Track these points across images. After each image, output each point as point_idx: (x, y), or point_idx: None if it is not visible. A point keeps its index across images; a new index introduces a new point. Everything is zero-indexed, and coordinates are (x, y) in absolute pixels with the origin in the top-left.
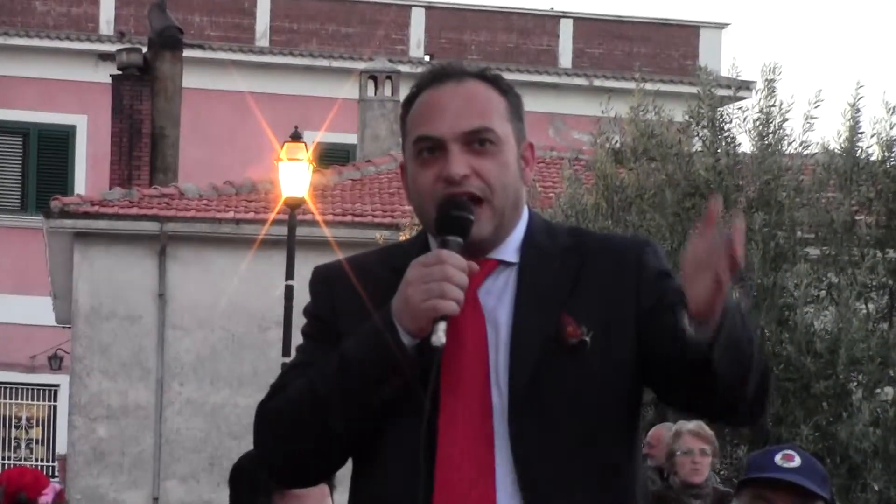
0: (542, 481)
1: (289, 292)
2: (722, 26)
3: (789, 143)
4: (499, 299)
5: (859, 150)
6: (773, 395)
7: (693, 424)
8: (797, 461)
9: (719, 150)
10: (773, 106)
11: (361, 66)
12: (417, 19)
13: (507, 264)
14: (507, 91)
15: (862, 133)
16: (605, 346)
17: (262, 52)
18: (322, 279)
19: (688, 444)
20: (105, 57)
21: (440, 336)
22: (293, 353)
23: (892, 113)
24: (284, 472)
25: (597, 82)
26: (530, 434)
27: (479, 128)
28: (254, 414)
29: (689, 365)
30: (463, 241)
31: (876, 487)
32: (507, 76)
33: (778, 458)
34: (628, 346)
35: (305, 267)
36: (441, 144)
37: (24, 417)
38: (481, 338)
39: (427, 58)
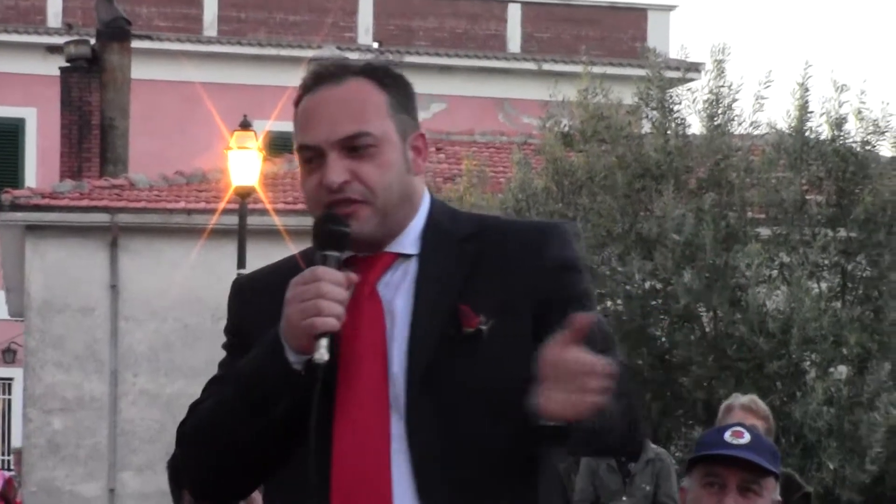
0: (438, 473)
1: None
2: (670, 8)
3: (739, 124)
4: (397, 291)
5: (809, 130)
6: (649, 420)
7: (746, 398)
8: (747, 438)
9: (669, 132)
10: (723, 87)
11: (310, 53)
12: (365, 6)
13: (406, 256)
14: (390, 84)
15: (811, 112)
16: (503, 335)
17: (210, 41)
18: (234, 293)
19: (737, 419)
20: (53, 49)
21: (322, 353)
22: None
23: (841, 91)
24: (206, 490)
25: (546, 66)
26: (426, 426)
27: (354, 133)
28: None
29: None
30: (341, 255)
31: (831, 466)
32: (456, 62)
33: (727, 436)
34: (526, 333)
35: (257, 256)
36: (319, 152)
37: None
38: (379, 331)
39: (375, 45)
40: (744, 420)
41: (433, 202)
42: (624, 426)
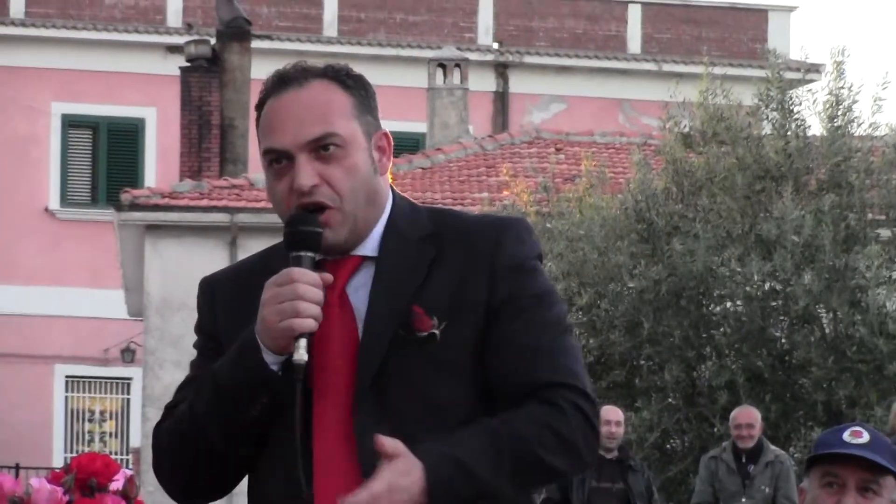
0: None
1: None
2: (790, 9)
3: (858, 125)
4: (362, 293)
5: None
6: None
7: None
8: (865, 437)
9: (789, 133)
10: (843, 88)
11: (430, 54)
12: (485, 6)
13: (371, 259)
14: (352, 86)
15: None
16: (456, 337)
17: (329, 41)
18: (203, 291)
19: None
20: (173, 49)
21: (301, 354)
22: None
23: None
24: (178, 492)
25: (666, 67)
26: (373, 427)
27: (322, 134)
28: None
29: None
30: (314, 255)
31: None
32: (576, 62)
33: (846, 435)
34: (479, 335)
35: None
36: (287, 155)
37: (97, 411)
38: (349, 334)
39: (496, 45)
40: None
41: (395, 202)
42: (535, 476)
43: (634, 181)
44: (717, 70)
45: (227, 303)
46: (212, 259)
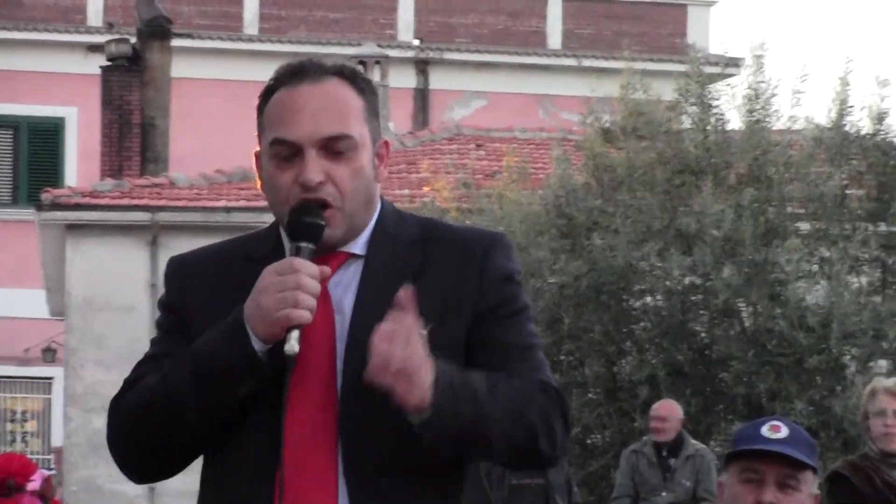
0: (367, 468)
1: None
2: (710, 4)
3: (778, 119)
4: (346, 290)
5: (849, 124)
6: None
7: (891, 381)
8: (784, 432)
9: (709, 127)
10: (762, 82)
11: (350, 51)
12: (406, 4)
13: (357, 256)
14: (365, 89)
15: (852, 107)
16: (441, 339)
17: (250, 39)
18: (175, 270)
19: (881, 403)
20: (94, 48)
21: (293, 345)
22: None
23: (883, 86)
24: (134, 467)
25: (586, 63)
26: (359, 420)
27: (338, 134)
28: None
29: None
30: (315, 247)
31: None
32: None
33: (765, 430)
34: (463, 339)
35: None
36: (298, 148)
37: (18, 411)
38: (329, 329)
39: (416, 42)
40: (886, 405)
41: (383, 206)
42: (518, 434)
43: (555, 177)
44: (638, 65)
45: (199, 284)
46: (133, 258)
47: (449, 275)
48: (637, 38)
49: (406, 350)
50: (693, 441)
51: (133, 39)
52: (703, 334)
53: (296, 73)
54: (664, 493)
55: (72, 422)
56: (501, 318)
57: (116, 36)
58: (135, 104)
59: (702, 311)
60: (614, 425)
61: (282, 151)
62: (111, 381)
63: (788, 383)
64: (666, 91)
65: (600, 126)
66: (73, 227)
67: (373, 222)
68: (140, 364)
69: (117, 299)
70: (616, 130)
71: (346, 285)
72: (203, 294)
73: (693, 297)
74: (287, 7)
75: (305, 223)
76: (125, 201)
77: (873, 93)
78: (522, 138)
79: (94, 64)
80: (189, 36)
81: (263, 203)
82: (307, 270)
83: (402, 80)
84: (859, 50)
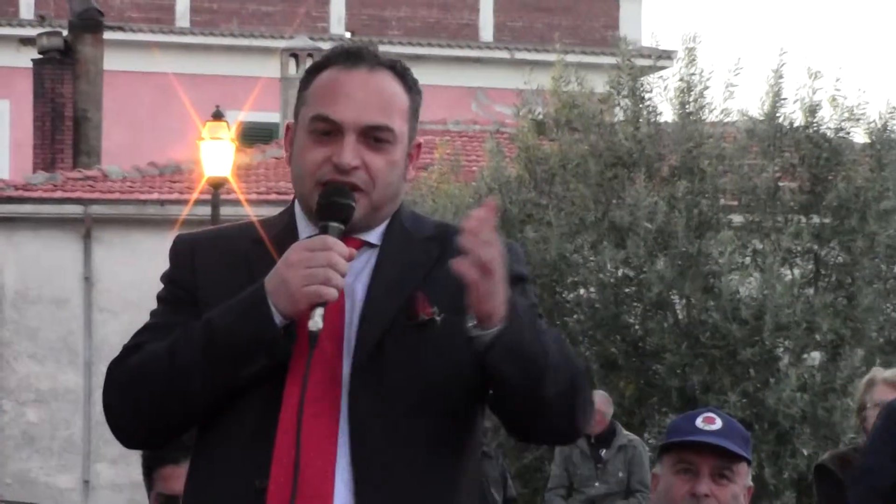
0: (372, 452)
1: None
2: None
3: (710, 111)
4: (357, 276)
5: (782, 117)
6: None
7: (890, 372)
8: (718, 424)
9: (641, 120)
10: (694, 75)
11: (283, 44)
12: None
13: (371, 245)
14: (412, 89)
15: (784, 99)
16: (453, 331)
17: (183, 32)
18: (184, 248)
19: (879, 395)
20: (26, 41)
21: (317, 321)
22: None
23: (815, 78)
24: (127, 431)
25: (518, 55)
26: (365, 404)
27: (381, 125)
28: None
29: (482, 370)
30: (344, 227)
31: (805, 452)
32: (429, 51)
33: (699, 422)
34: None
35: None
36: (339, 129)
37: None
38: (338, 312)
39: (348, 34)
40: (884, 397)
41: (401, 205)
42: (563, 387)
43: (488, 169)
44: (570, 58)
45: (208, 262)
46: (67, 251)
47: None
48: (569, 31)
49: (492, 250)
50: (625, 432)
51: (65, 32)
52: (636, 327)
53: (351, 56)
54: (597, 484)
55: (6, 414)
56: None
57: (48, 29)
58: (67, 97)
59: (635, 304)
60: None
61: (321, 128)
62: (45, 374)
63: (722, 375)
64: (598, 84)
65: (533, 118)
66: (5, 220)
67: (390, 217)
68: (140, 332)
69: (50, 292)
70: (549, 123)
71: (357, 272)
72: (212, 272)
73: (626, 290)
74: (219, 0)
75: (337, 203)
76: (58, 194)
77: (806, 85)
78: (455, 131)
79: (26, 57)
80: (121, 29)
81: (196, 196)
82: (338, 248)
83: None
84: (792, 42)
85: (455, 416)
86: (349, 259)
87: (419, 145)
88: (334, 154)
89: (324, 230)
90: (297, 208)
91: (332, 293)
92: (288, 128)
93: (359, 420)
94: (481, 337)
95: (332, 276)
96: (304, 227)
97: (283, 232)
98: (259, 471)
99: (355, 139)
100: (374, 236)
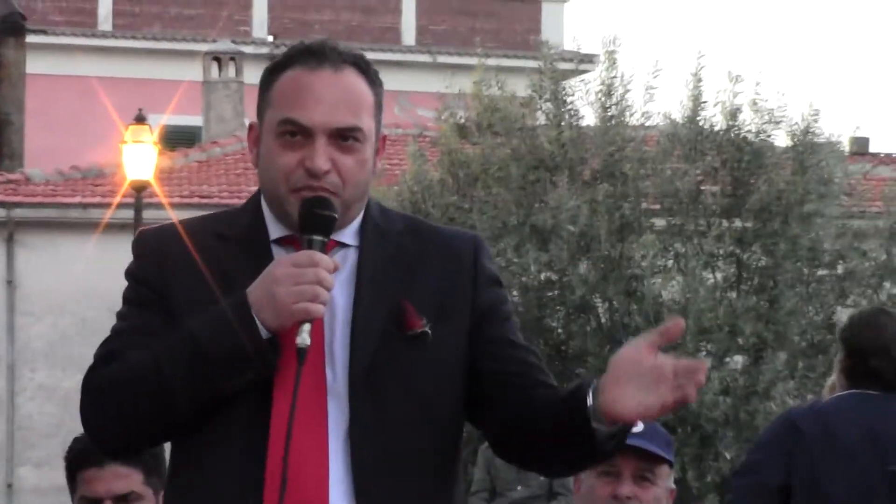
0: (371, 464)
1: None
2: (563, 0)
3: (632, 115)
4: (335, 280)
5: (703, 120)
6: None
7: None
8: (640, 426)
9: (563, 123)
10: (615, 78)
11: (205, 47)
12: (260, 0)
13: (345, 246)
14: (376, 82)
15: (705, 102)
16: (442, 337)
17: (105, 35)
18: (149, 243)
19: None
20: None
21: (305, 338)
22: None
23: (736, 82)
24: (107, 440)
25: (441, 59)
26: (365, 417)
27: (351, 126)
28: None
29: (567, 431)
30: (327, 240)
31: (728, 456)
32: None
33: None
34: (463, 338)
35: None
36: (308, 133)
37: None
38: (318, 320)
39: (270, 38)
40: None
41: (369, 200)
42: None
43: (410, 173)
44: (492, 61)
45: (173, 258)
46: None
47: (444, 272)
48: (491, 35)
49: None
50: None
51: None
52: (559, 330)
53: (314, 55)
54: (519, 487)
55: None
56: (501, 318)
57: None
58: None
59: (558, 307)
60: None
61: (290, 131)
62: None
63: None
64: (520, 87)
65: (455, 122)
66: None
67: (361, 214)
68: (110, 339)
69: None
70: (471, 126)
71: (335, 275)
72: (180, 268)
73: (549, 293)
74: (141, 3)
75: (320, 216)
76: None
77: (726, 88)
78: None
79: None
80: (44, 32)
81: (119, 199)
82: (325, 264)
83: (257, 76)
84: (711, 45)
85: (446, 424)
86: (334, 271)
87: (384, 138)
88: (306, 158)
89: (308, 244)
90: (266, 208)
91: (320, 310)
92: (251, 128)
93: (359, 435)
94: (601, 427)
95: (320, 292)
96: (274, 228)
97: (250, 231)
98: (254, 486)
99: (326, 142)
100: (347, 236)
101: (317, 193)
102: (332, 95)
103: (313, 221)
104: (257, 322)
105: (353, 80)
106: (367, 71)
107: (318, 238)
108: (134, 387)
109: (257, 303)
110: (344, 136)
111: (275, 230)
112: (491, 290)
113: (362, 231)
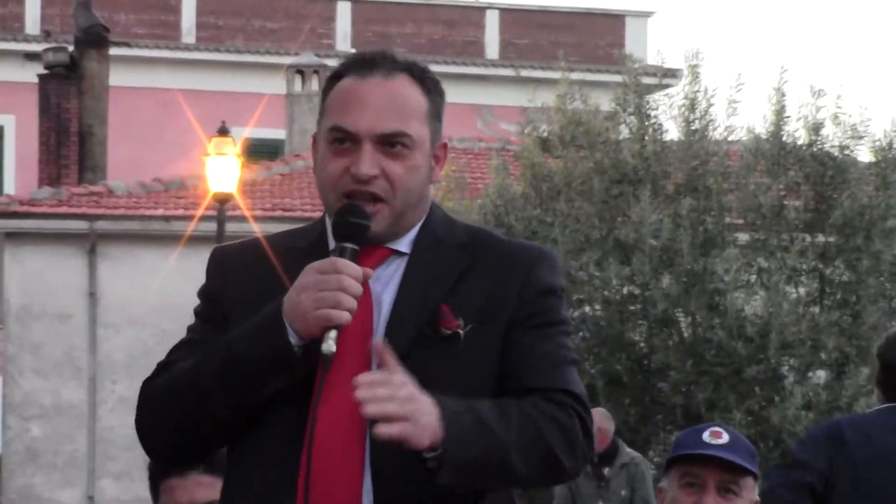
0: (393, 464)
1: None
2: (647, 14)
3: (715, 129)
4: (385, 286)
5: (786, 134)
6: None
7: None
8: (725, 438)
9: (646, 137)
10: (699, 92)
11: (288, 60)
12: (343, 13)
13: (400, 254)
14: (432, 90)
15: (788, 117)
16: (478, 342)
17: (188, 48)
18: (217, 260)
19: None
20: (32, 56)
21: (330, 345)
22: None
23: (818, 96)
24: (157, 449)
25: (524, 73)
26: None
27: (397, 132)
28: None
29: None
30: (359, 248)
31: None
32: (434, 68)
33: (706, 436)
34: (497, 343)
35: None
36: (355, 139)
37: None
38: (367, 322)
39: (353, 51)
40: None
41: (433, 208)
42: (536, 456)
43: (493, 186)
44: (575, 75)
45: (239, 274)
46: (71, 266)
47: (492, 281)
48: (574, 49)
49: (400, 394)
50: (628, 449)
51: (70, 48)
52: (641, 344)
53: (367, 64)
54: (600, 502)
55: (10, 430)
56: (535, 326)
57: (54, 44)
58: (72, 112)
59: (640, 321)
60: None
61: (339, 138)
62: (48, 390)
63: (726, 393)
64: (604, 101)
65: (538, 136)
66: (10, 236)
67: (420, 222)
68: (175, 349)
69: (55, 307)
70: (553, 140)
71: (385, 281)
72: (244, 284)
73: (631, 307)
74: (224, 16)
75: (351, 223)
76: (63, 209)
77: (809, 103)
78: (460, 147)
79: (32, 72)
80: (126, 44)
81: (202, 211)
82: (349, 271)
83: None
84: (794, 59)
85: None
86: (364, 280)
87: (444, 145)
88: (352, 164)
89: (339, 252)
90: (328, 219)
91: (342, 316)
92: (314, 140)
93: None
94: (427, 462)
95: (342, 299)
96: (332, 238)
97: (315, 242)
98: (289, 484)
99: (372, 147)
100: (403, 244)
101: (354, 201)
102: (378, 101)
103: (346, 229)
104: (288, 329)
105: (403, 87)
106: (422, 78)
107: (347, 246)
108: (176, 394)
109: (289, 311)
110: (391, 143)
111: (333, 241)
112: (538, 299)
113: (417, 240)
